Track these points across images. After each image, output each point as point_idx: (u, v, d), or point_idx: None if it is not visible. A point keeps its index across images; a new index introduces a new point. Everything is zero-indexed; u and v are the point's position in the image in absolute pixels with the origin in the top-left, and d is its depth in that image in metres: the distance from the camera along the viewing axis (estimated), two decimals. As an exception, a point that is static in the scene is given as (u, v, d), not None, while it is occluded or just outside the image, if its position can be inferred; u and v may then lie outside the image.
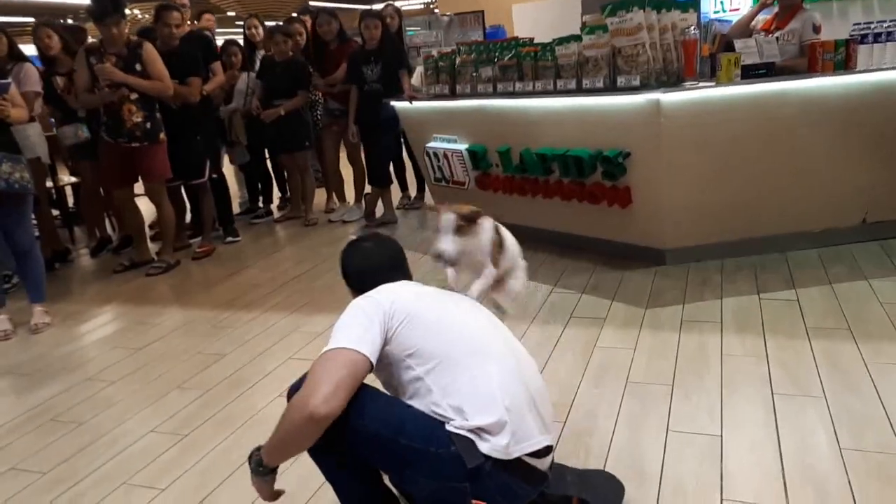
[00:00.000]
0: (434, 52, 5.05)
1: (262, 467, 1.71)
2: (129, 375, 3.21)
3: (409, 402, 1.65)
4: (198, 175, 5.05)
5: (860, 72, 3.60)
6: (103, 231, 5.72)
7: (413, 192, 6.28)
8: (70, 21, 10.98)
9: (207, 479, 2.30)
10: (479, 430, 1.57)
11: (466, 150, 4.67)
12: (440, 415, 1.60)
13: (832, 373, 2.56)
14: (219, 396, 2.90)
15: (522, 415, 1.63)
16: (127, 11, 4.80)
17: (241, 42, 6.08)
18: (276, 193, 6.68)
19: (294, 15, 6.34)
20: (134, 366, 3.31)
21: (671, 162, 3.70)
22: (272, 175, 6.48)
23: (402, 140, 5.78)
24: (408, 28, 6.83)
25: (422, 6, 20.65)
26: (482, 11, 8.06)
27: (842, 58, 3.59)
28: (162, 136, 4.62)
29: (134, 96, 4.45)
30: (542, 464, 1.68)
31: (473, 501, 1.58)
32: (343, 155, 6.01)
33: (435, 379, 1.63)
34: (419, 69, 5.20)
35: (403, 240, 5.05)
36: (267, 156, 6.29)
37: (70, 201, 6.20)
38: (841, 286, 3.37)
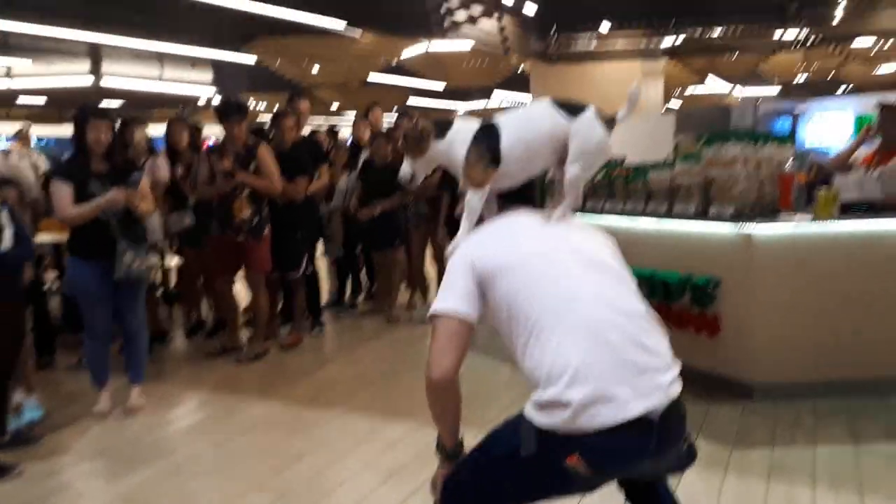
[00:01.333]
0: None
1: (445, 449, 1.86)
2: (212, 470, 3.32)
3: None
4: (295, 268, 5.30)
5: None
6: (199, 314, 6.04)
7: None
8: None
9: None
10: (552, 404, 1.57)
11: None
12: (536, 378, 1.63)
13: (939, 550, 2.37)
14: (294, 502, 2.95)
15: (605, 381, 1.55)
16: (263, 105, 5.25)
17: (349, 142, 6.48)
18: (365, 287, 6.90)
19: (398, 115, 6.69)
20: (217, 460, 3.43)
21: (763, 293, 3.63)
22: (361, 268, 6.72)
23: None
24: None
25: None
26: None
27: (949, 200, 3.48)
28: (266, 231, 4.92)
29: (246, 192, 4.79)
30: (653, 414, 1.56)
31: (567, 460, 1.56)
32: (429, 254, 6.20)
33: (530, 344, 1.64)
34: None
35: (482, 342, 5.09)
36: (359, 252, 6.55)
37: (172, 283, 6.58)
38: (950, 443, 3.15)
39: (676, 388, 1.63)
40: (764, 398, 3.73)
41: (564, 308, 1.62)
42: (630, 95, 1.92)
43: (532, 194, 1.94)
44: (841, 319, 3.63)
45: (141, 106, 16.25)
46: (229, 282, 5.11)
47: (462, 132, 1.90)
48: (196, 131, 5.94)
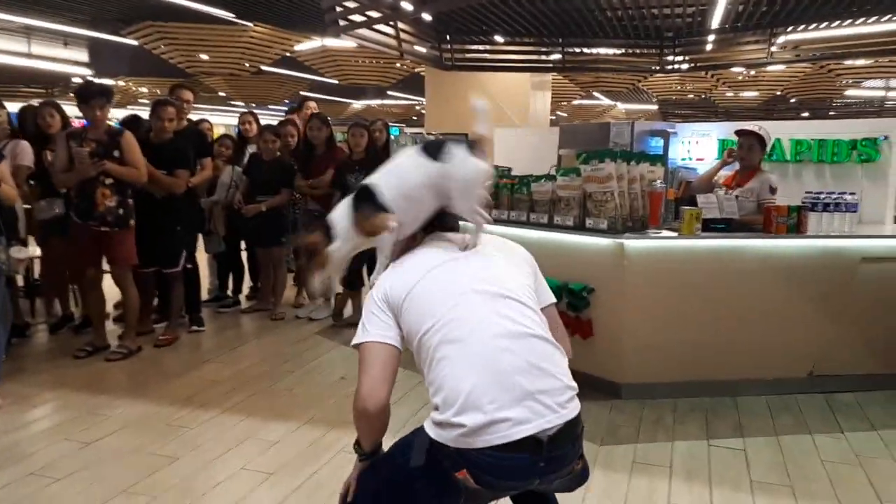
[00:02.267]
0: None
1: (364, 451, 1.83)
2: (75, 473, 3.13)
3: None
4: (173, 264, 5.10)
5: (809, 237, 3.89)
6: (66, 308, 5.67)
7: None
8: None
9: None
10: (446, 423, 1.63)
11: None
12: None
13: (773, 534, 2.64)
14: (166, 505, 2.85)
15: (496, 406, 1.60)
16: (144, 89, 4.99)
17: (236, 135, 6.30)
18: (248, 283, 6.72)
19: (287, 118, 6.60)
20: (81, 463, 3.24)
21: (632, 301, 3.89)
22: (245, 266, 6.54)
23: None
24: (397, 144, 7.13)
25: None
26: (466, 134, 8.45)
27: (794, 222, 3.88)
28: (132, 222, 4.69)
29: (109, 181, 4.55)
30: (543, 434, 1.62)
31: (457, 473, 1.63)
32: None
33: (430, 370, 1.72)
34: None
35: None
36: (243, 247, 6.38)
37: (35, 273, 6.15)
38: (786, 438, 3.50)
39: (572, 409, 1.69)
40: (630, 396, 4.00)
41: (459, 336, 1.69)
42: (478, 110, 1.97)
43: (448, 219, 1.97)
44: (700, 326, 3.95)
45: (4, 82, 15.01)
46: (96, 275, 4.83)
47: (339, 217, 1.95)
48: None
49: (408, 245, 1.97)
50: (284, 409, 3.89)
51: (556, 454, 1.65)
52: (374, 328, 1.78)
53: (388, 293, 1.80)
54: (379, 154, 5.62)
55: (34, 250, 5.62)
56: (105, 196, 4.55)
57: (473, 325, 1.70)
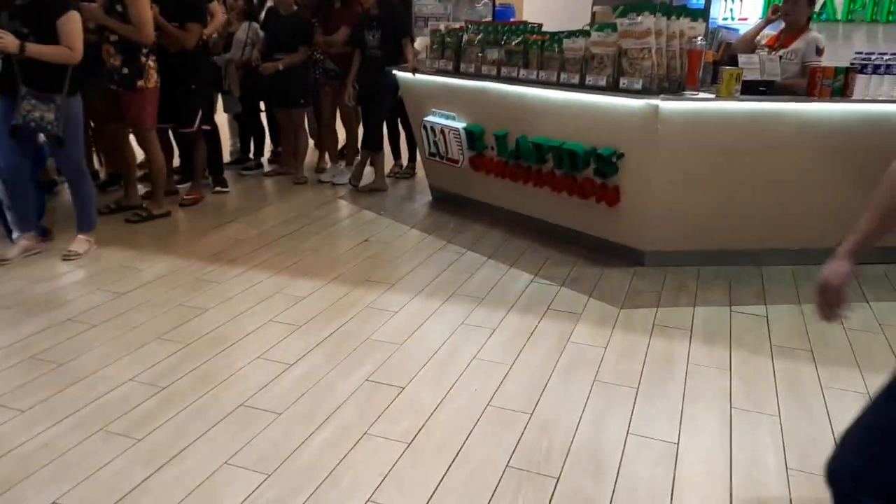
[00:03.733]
0: (442, 27, 5.05)
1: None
2: (110, 320, 3.25)
3: None
4: (188, 123, 4.99)
5: (856, 101, 3.69)
6: (90, 165, 5.67)
7: (405, 161, 6.30)
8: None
9: (182, 435, 2.38)
10: None
11: (464, 128, 4.70)
12: None
13: (789, 393, 2.69)
14: (198, 352, 2.96)
15: None
16: None
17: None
18: (269, 147, 6.66)
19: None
20: (116, 311, 3.35)
21: (663, 166, 3.78)
22: (266, 128, 6.45)
23: (399, 108, 5.77)
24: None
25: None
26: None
27: (840, 85, 3.67)
28: (141, 83, 4.46)
29: (113, 38, 4.37)
30: None
31: None
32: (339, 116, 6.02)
33: None
34: (425, 41, 5.19)
35: (391, 208, 5.13)
36: (263, 109, 6.25)
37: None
38: (808, 307, 3.50)
39: None
40: (654, 264, 3.99)
41: None
42: None
43: None
44: (730, 194, 3.86)
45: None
46: (119, 129, 4.78)
47: None
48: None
49: None
50: (310, 267, 3.95)
51: None
52: None
53: None
54: (394, 9, 5.33)
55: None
56: (109, 54, 4.41)
57: None
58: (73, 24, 3.65)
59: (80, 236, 4.11)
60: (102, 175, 5.72)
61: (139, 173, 5.51)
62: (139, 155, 5.02)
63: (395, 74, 5.21)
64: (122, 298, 3.50)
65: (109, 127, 4.75)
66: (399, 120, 5.98)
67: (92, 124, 5.43)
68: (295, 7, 5.56)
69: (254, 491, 2.10)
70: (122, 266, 3.93)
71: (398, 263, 4.04)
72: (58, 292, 3.58)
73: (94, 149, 5.80)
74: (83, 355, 2.91)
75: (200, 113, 5.05)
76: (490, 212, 4.90)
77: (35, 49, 3.58)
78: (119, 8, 4.31)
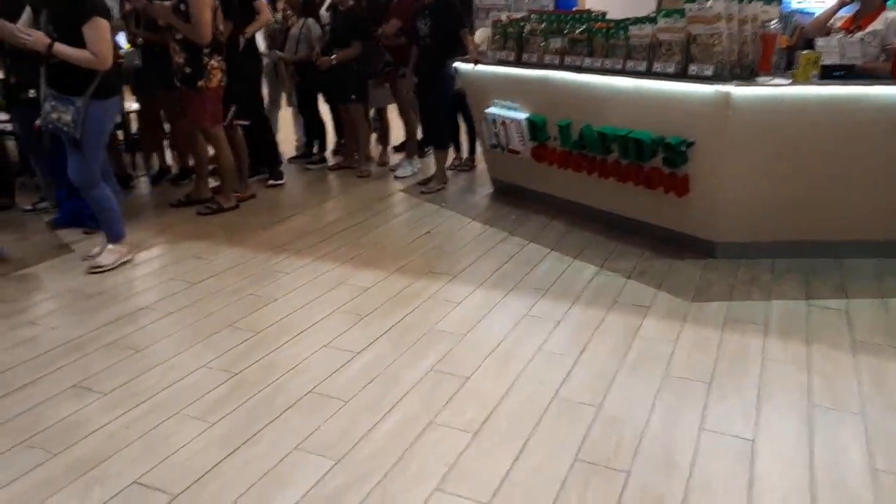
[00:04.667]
0: (503, 17, 5.00)
1: None
2: (184, 308, 3.36)
3: None
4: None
5: (945, 83, 3.48)
6: (162, 161, 5.88)
7: (465, 153, 6.28)
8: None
9: (253, 420, 2.43)
10: None
11: (526, 119, 4.65)
12: None
13: (874, 391, 2.56)
14: (268, 340, 3.03)
15: None
16: None
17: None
18: (332, 139, 6.75)
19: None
20: (189, 300, 3.46)
21: (734, 155, 3.65)
22: (324, 123, 6.53)
23: (459, 101, 5.73)
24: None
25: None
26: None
27: (928, 67, 3.47)
28: (202, 83, 4.52)
29: (178, 36, 4.49)
30: None
31: None
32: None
33: None
34: (486, 32, 5.15)
35: (452, 200, 5.12)
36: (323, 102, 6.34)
37: (133, 128, 6.34)
38: (893, 301, 3.33)
39: None
40: (725, 256, 3.86)
41: None
42: None
43: None
44: (807, 183, 3.69)
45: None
46: (189, 129, 4.91)
47: None
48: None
49: None
50: (373, 259, 3.98)
51: None
52: None
53: None
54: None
55: (130, 105, 5.77)
56: (175, 52, 4.54)
57: None
58: (97, 30, 3.58)
59: (110, 246, 3.96)
60: (174, 169, 5.90)
61: (209, 167, 5.66)
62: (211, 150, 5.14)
63: (452, 66, 5.19)
64: (195, 288, 3.61)
65: (179, 123, 4.88)
66: (460, 112, 5.96)
67: (164, 121, 5.63)
68: (351, 2, 5.59)
69: (322, 477, 2.13)
70: (194, 256, 4.05)
71: (460, 255, 4.03)
72: (133, 283, 3.72)
73: (166, 143, 6.00)
74: (160, 342, 3.02)
75: (233, 109, 5.02)
76: (552, 203, 4.84)
77: (60, 49, 3.54)
78: (182, 7, 4.43)
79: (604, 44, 4.13)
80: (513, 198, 5.12)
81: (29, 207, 4.94)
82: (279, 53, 5.86)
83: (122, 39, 5.42)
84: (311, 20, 5.84)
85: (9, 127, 5.33)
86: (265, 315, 3.28)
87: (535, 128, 4.62)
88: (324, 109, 6.37)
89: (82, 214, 4.40)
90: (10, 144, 5.56)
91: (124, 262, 3.94)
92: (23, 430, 2.40)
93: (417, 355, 2.88)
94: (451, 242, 4.26)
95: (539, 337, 3.02)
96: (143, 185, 5.76)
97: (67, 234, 4.44)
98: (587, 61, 4.22)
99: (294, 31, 5.83)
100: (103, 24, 3.61)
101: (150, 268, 3.93)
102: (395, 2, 5.66)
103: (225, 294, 3.52)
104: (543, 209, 4.82)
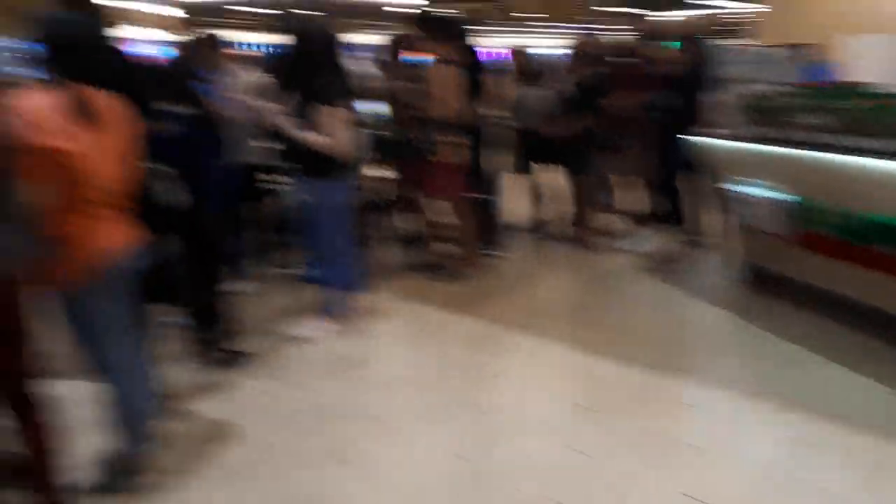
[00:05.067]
0: (753, 90, 4.65)
1: None
2: (413, 382, 3.41)
3: None
4: None
5: None
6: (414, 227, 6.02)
7: (691, 228, 5.77)
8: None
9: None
10: None
11: (786, 201, 4.15)
12: None
13: None
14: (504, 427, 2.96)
15: None
16: None
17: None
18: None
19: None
20: (418, 372, 3.53)
21: None
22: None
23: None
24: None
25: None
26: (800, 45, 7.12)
27: None
28: (434, 157, 4.63)
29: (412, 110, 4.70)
30: None
31: None
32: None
33: None
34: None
35: (695, 284, 4.70)
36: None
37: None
38: None
39: None
40: None
41: None
42: None
43: None
44: None
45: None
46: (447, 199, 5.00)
47: None
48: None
49: None
50: (613, 343, 3.71)
51: None
52: None
53: None
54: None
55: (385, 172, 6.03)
56: (410, 125, 4.75)
57: None
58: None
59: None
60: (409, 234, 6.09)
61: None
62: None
63: (684, 141, 4.90)
64: (426, 359, 3.67)
65: (420, 194, 5.07)
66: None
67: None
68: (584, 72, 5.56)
69: None
70: (438, 325, 4.10)
71: (710, 351, 3.69)
72: (364, 351, 3.77)
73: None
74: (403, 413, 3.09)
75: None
76: (824, 298, 4.11)
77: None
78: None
79: (877, 122, 3.60)
80: (769, 287, 4.47)
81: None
82: (512, 121, 5.94)
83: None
84: (531, 90, 5.85)
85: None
86: (494, 393, 3.28)
87: (799, 211, 4.10)
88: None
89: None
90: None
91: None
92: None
93: (662, 473, 2.61)
94: (699, 334, 3.96)
95: (813, 469, 2.60)
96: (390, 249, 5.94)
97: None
98: (864, 142, 3.70)
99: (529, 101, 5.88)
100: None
101: (382, 339, 3.97)
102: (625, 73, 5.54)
103: (455, 367, 3.54)
104: (811, 305, 4.11)
